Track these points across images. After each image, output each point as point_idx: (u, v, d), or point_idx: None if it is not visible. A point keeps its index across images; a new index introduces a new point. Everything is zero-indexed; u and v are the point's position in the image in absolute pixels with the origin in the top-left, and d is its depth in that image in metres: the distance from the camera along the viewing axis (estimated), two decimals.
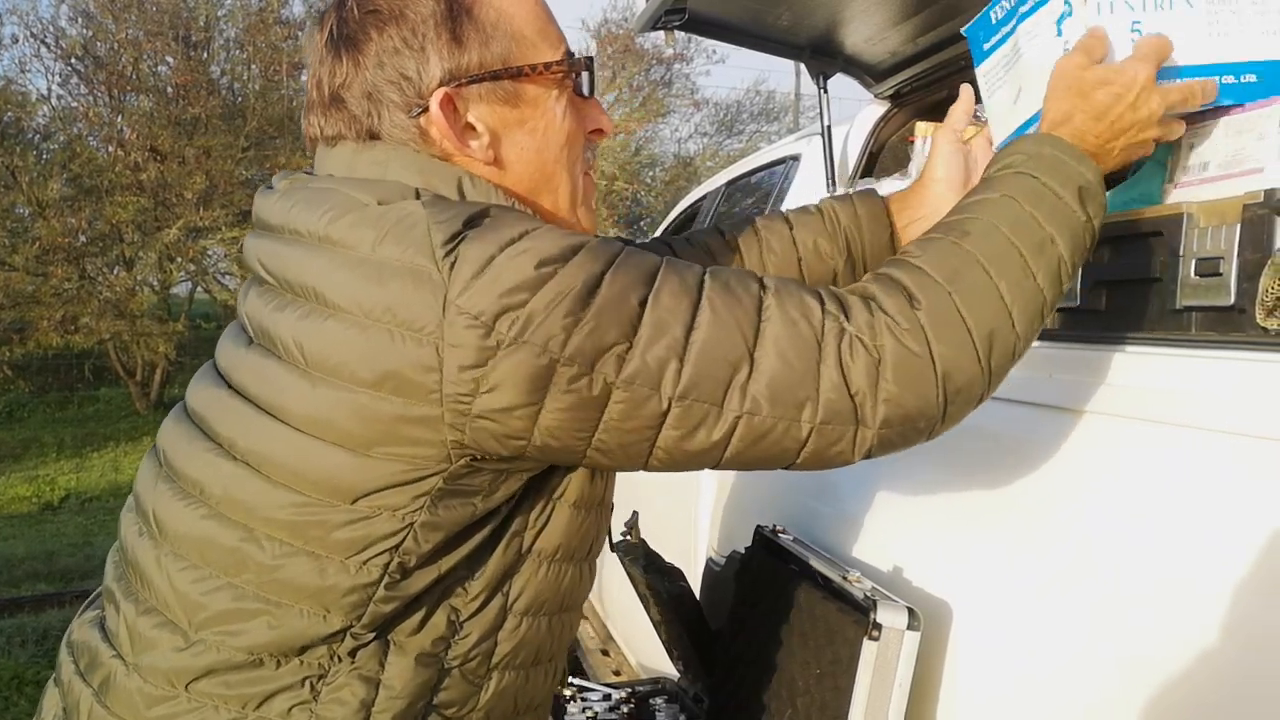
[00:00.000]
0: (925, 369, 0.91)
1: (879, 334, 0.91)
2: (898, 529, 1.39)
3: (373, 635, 0.96)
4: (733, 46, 2.14)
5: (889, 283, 0.95)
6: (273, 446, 0.94)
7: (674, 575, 1.78)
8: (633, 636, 3.15)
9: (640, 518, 2.05)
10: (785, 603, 1.36)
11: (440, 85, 0.98)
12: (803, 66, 2.20)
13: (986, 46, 1.23)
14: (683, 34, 2.35)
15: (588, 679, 3.75)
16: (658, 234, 4.09)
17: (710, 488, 2.25)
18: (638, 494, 2.83)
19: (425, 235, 0.88)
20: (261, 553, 0.94)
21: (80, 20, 12.20)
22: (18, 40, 12.00)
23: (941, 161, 1.31)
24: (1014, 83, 1.19)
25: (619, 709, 1.89)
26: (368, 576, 0.94)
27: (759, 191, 2.92)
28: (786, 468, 0.94)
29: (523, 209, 0.99)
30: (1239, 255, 0.99)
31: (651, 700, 1.91)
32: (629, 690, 1.94)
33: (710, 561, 2.05)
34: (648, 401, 0.88)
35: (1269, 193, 0.97)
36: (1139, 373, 1.10)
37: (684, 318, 0.89)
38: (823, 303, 0.93)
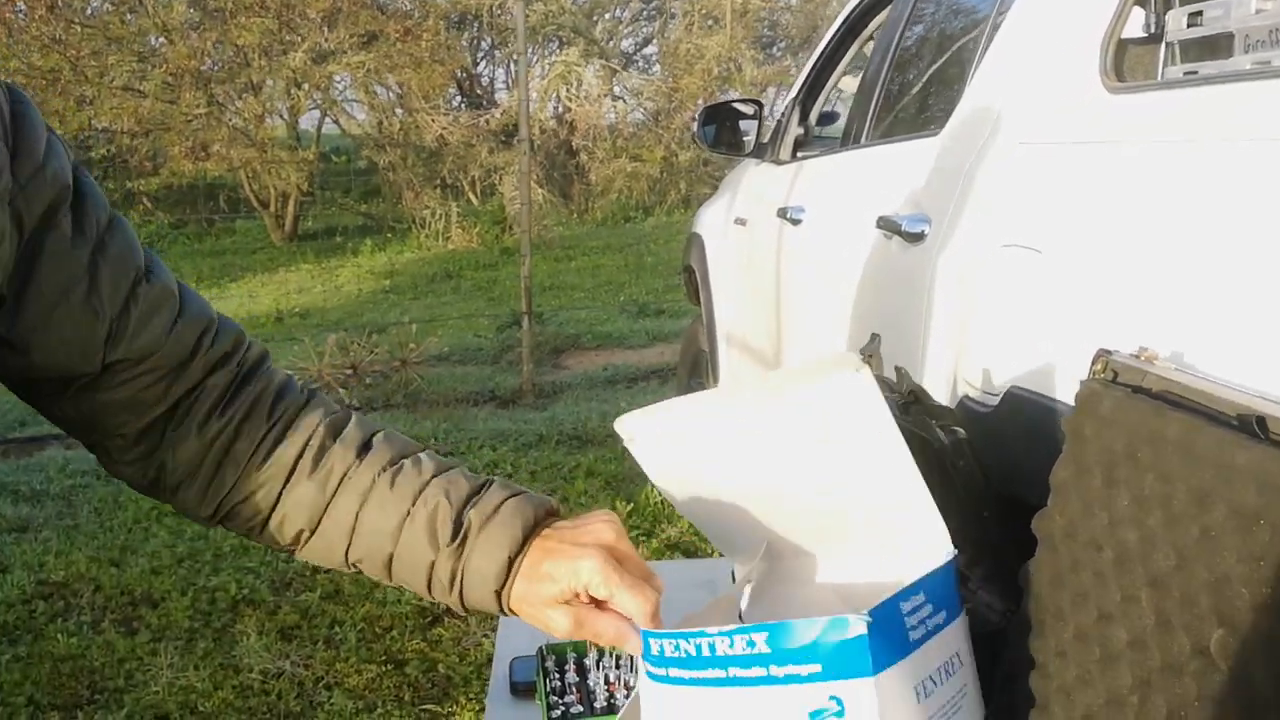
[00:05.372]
0: None
1: None
2: None
3: None
4: None
5: None
6: None
7: (946, 420, 1.32)
8: None
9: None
10: (1180, 465, 0.89)
11: None
12: None
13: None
14: None
15: None
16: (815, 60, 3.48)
17: (949, 291, 1.76)
18: (829, 310, 2.34)
19: None
20: None
21: None
22: None
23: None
24: None
25: None
26: None
27: None
28: None
29: None
30: None
31: None
32: None
33: (970, 402, 1.58)
34: None
35: None
36: None
37: None
38: None
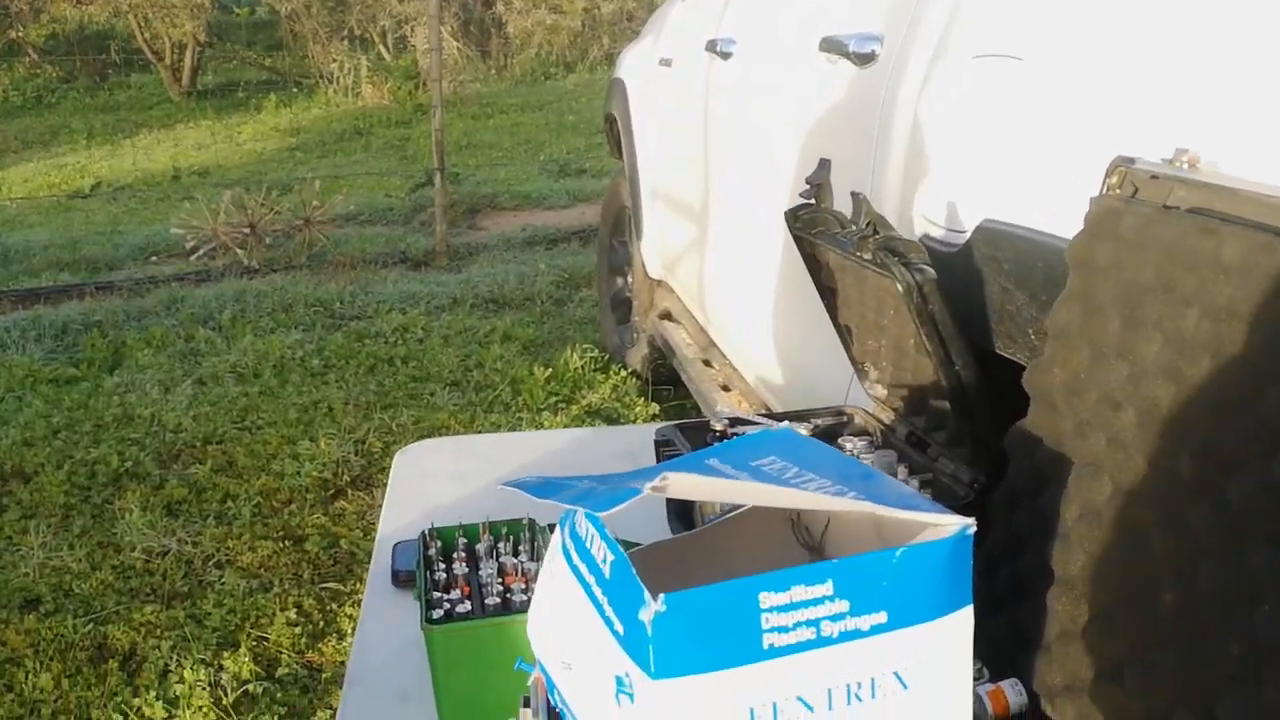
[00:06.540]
0: None
1: None
2: None
3: None
4: None
5: None
6: None
7: (913, 257, 1.10)
8: (747, 345, 2.53)
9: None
10: (1242, 296, 0.68)
11: None
12: None
13: None
14: None
15: (690, 398, 3.18)
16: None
17: (905, 115, 1.53)
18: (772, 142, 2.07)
19: None
20: None
21: None
22: None
23: None
24: None
25: None
26: None
27: None
28: None
29: None
30: None
31: (841, 438, 1.29)
32: (809, 424, 1.31)
33: (931, 241, 1.36)
34: None
35: None
36: None
37: None
38: None
